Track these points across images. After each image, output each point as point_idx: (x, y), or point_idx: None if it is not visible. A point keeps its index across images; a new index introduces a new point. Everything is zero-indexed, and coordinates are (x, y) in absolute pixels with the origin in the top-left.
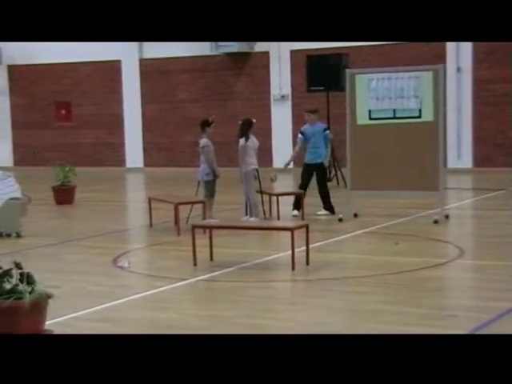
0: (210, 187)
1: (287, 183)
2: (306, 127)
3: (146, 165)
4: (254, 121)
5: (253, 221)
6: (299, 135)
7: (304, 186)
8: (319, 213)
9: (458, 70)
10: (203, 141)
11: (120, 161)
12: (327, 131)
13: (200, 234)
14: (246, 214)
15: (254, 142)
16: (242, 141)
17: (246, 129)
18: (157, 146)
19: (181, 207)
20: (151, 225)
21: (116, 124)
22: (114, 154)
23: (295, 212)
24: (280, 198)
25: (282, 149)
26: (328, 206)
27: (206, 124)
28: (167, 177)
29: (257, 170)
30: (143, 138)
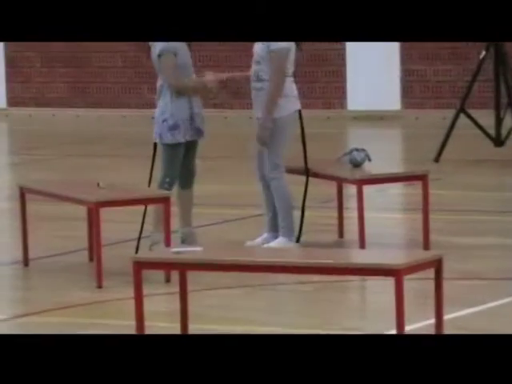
0: (175, 159)
1: (382, 149)
2: None
3: (11, 103)
4: None
5: (284, 246)
6: None
7: None
8: None
9: None
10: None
11: None
12: None
13: (158, 284)
14: (272, 231)
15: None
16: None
17: None
18: (42, 54)
19: (107, 212)
20: (27, 261)
21: None
22: None
23: None
24: (366, 188)
25: (371, 69)
26: None
27: None
28: (72, 132)
29: (300, 114)
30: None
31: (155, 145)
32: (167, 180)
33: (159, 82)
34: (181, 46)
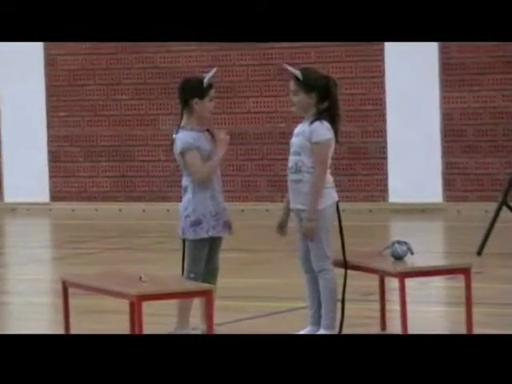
0: (199, 255)
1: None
2: None
3: (55, 198)
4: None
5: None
6: None
7: None
8: None
9: None
10: (182, 137)
11: None
12: None
13: None
14: (316, 324)
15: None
16: (310, 129)
17: (326, 98)
18: (85, 149)
19: (149, 306)
20: None
21: None
22: None
23: None
24: (408, 281)
25: (418, 156)
26: None
27: (193, 92)
28: (115, 226)
29: (337, 205)
30: (49, 128)
31: (183, 241)
32: (192, 276)
33: (184, 178)
34: (203, 140)
